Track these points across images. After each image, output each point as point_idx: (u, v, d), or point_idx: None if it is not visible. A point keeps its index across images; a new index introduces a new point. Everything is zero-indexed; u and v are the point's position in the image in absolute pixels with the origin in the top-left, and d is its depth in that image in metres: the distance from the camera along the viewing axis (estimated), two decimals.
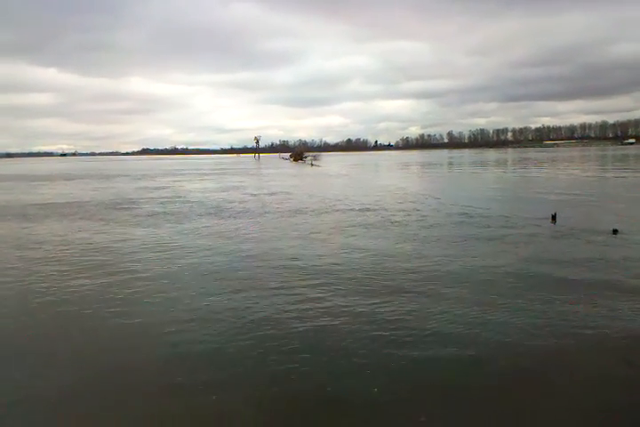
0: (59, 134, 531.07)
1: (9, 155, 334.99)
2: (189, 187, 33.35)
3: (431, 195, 22.97)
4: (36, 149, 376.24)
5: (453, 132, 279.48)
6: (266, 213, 18.01)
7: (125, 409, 4.61)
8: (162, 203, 22.41)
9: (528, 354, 5.52)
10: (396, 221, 14.99)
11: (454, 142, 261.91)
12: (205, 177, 46.72)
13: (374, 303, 7.21)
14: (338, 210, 18.21)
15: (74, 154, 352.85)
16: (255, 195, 25.88)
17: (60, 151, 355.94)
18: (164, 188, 32.66)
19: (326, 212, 17.82)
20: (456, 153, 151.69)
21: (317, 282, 8.39)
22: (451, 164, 70.72)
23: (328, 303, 7.25)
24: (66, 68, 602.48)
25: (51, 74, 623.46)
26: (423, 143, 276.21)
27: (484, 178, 37.18)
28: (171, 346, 5.89)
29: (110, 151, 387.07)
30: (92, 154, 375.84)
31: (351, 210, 18.05)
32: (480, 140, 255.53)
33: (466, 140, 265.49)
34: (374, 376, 5.06)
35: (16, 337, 6.39)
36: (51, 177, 52.45)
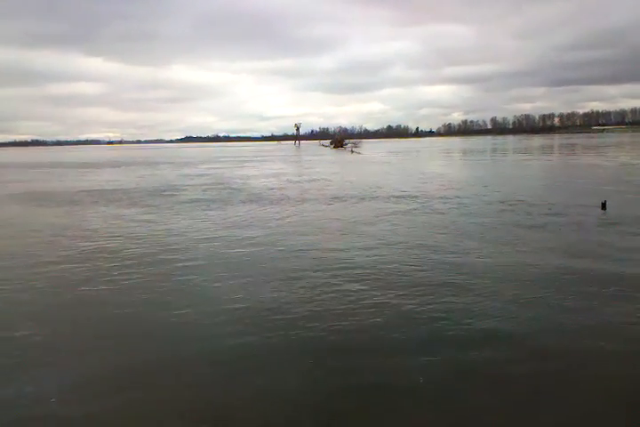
0: (106, 122, 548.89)
1: (59, 142, 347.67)
2: (231, 174, 33.75)
3: (477, 182, 22.49)
4: (84, 137, 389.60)
5: (497, 118, 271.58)
6: (306, 200, 18.05)
7: (171, 399, 4.73)
8: (204, 190, 22.78)
9: (573, 354, 5.39)
10: (438, 209, 14.76)
11: (498, 128, 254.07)
12: (246, 164, 47.17)
13: (416, 297, 7.13)
14: (378, 197, 18.07)
15: (120, 142, 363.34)
16: (295, 182, 25.96)
17: (107, 139, 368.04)
18: (206, 175, 33.17)
19: (367, 199, 17.71)
20: (500, 139, 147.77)
21: (359, 275, 8.30)
22: (494, 150, 68.97)
23: (369, 297, 7.17)
24: (111, 58, 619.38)
25: (96, 63, 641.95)
26: (466, 129, 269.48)
27: (530, 165, 36.05)
28: (216, 337, 5.96)
29: (155, 139, 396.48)
30: (138, 142, 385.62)
31: (392, 197, 17.87)
32: (525, 126, 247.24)
33: (510, 126, 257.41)
34: (419, 367, 5.02)
35: (56, 326, 6.59)
36: (98, 164, 54.15)
